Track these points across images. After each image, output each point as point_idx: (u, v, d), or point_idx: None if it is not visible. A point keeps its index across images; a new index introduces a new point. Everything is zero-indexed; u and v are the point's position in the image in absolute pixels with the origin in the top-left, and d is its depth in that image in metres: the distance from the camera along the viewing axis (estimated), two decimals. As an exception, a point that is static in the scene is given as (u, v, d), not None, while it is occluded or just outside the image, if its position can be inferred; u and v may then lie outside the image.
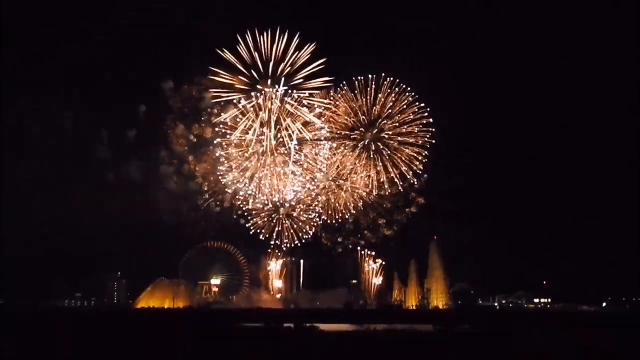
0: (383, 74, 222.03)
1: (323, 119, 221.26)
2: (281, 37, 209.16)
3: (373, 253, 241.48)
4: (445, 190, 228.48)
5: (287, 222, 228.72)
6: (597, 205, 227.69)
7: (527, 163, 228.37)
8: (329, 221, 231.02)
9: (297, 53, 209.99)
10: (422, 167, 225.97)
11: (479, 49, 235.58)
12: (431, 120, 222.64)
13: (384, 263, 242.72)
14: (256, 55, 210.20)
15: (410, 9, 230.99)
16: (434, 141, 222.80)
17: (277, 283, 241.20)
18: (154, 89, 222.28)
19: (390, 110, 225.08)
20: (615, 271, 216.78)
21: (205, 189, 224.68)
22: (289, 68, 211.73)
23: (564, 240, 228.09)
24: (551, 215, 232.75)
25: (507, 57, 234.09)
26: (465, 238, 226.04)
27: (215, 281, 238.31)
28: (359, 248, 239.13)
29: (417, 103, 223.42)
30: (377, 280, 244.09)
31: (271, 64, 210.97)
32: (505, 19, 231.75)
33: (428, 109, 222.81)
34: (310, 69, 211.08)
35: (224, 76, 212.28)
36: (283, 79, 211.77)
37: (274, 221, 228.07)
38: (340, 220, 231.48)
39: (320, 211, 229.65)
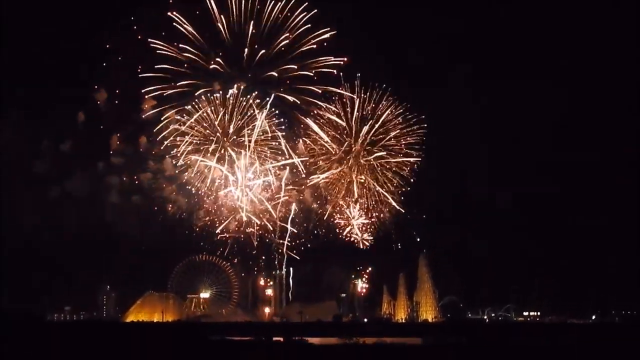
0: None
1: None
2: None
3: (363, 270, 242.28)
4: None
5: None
6: (596, 206, 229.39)
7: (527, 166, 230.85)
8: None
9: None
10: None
11: (478, 48, 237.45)
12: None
13: (373, 276, 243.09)
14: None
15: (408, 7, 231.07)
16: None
17: (266, 295, 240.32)
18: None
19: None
20: (613, 282, 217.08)
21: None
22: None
23: (556, 252, 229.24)
24: (544, 225, 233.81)
25: (506, 56, 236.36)
26: (455, 251, 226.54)
27: (205, 295, 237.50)
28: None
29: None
30: (366, 294, 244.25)
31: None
32: (504, 19, 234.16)
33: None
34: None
35: None
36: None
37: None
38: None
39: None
